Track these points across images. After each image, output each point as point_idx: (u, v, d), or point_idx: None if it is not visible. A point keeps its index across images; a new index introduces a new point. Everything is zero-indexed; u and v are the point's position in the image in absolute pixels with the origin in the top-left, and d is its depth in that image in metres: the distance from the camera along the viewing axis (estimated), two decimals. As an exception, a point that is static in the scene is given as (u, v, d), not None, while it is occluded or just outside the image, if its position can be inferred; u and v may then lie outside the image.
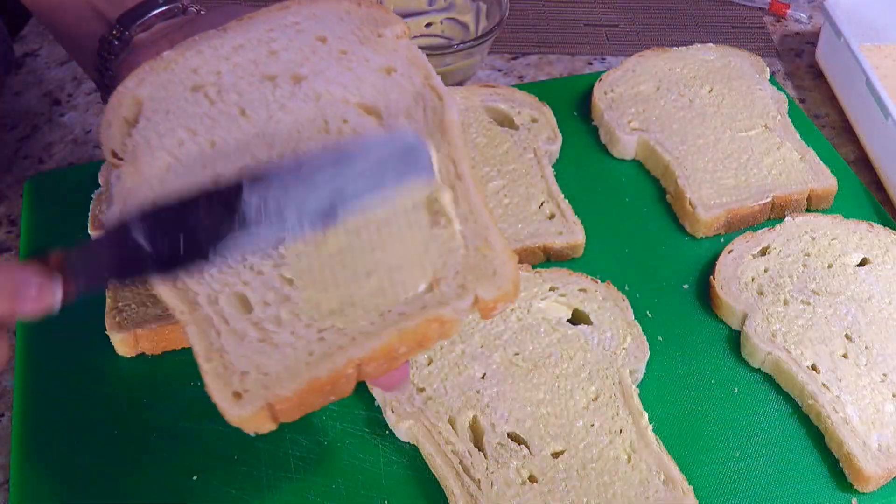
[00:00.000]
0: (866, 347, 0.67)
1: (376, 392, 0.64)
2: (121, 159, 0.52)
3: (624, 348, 0.66)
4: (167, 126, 0.52)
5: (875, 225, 0.77)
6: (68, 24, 0.66)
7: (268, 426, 0.45)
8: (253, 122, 0.52)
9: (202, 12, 0.63)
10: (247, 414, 0.44)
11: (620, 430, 0.62)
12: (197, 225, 0.46)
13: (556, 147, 0.84)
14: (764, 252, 0.75)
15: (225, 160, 0.50)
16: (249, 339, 0.46)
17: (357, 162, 0.46)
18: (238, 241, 0.46)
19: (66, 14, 0.65)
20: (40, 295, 0.45)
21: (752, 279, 0.72)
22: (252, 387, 0.44)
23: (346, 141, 0.50)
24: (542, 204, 0.78)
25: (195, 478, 0.61)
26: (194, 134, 0.52)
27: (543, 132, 0.84)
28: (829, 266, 0.73)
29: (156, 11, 0.61)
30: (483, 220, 0.48)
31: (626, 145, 0.85)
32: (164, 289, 0.47)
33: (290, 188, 0.46)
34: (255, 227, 0.45)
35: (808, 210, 0.81)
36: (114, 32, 0.61)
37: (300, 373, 0.45)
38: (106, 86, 0.63)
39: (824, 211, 0.81)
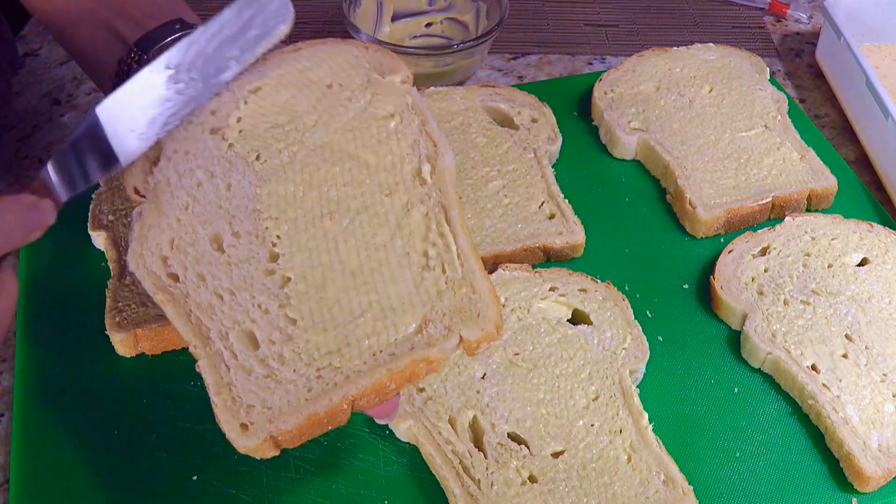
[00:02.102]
0: (866, 347, 0.67)
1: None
2: (142, 196, 0.54)
3: (624, 348, 0.66)
4: (186, 166, 0.54)
5: (875, 225, 0.77)
6: (83, 41, 0.66)
7: (272, 453, 0.48)
8: (268, 166, 0.54)
9: None
10: (253, 445, 0.47)
11: (620, 430, 0.62)
12: (144, 104, 0.51)
13: (556, 147, 0.84)
14: (764, 252, 0.75)
15: (239, 204, 0.52)
16: (256, 374, 0.49)
17: (232, 25, 0.53)
18: (178, 109, 0.52)
19: (82, 32, 0.65)
20: (43, 220, 0.49)
21: (752, 279, 0.72)
22: (257, 420, 0.48)
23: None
24: (542, 204, 0.78)
25: (195, 478, 0.61)
26: (212, 176, 0.54)
27: (543, 132, 0.84)
28: (829, 266, 0.73)
29: (172, 37, 0.61)
30: (470, 265, 0.51)
31: (626, 145, 0.85)
32: (179, 323, 0.50)
33: (202, 54, 0.53)
34: (186, 88, 0.52)
35: (808, 210, 0.81)
36: (132, 56, 0.61)
37: (300, 408, 0.48)
38: None
39: (824, 211, 0.81)
